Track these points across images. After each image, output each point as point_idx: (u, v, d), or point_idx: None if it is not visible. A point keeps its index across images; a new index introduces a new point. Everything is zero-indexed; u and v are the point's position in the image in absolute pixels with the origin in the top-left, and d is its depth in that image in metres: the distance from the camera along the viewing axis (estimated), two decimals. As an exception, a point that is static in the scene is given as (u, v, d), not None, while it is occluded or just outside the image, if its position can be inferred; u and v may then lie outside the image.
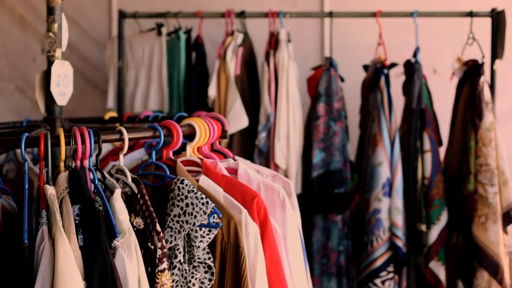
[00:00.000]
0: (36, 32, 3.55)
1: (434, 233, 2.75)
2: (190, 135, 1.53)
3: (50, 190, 1.21)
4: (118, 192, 1.24)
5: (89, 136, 1.28)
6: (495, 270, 2.66)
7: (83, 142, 1.27)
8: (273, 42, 2.91)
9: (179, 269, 1.32)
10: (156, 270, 1.25)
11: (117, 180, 1.33)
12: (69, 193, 1.23)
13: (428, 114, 2.80)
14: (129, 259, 1.18)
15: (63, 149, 1.27)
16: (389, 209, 2.71)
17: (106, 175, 1.32)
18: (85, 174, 1.26)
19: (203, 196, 1.34)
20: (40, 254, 1.14)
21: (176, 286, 1.31)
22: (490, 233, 2.66)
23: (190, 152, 1.54)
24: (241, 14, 2.98)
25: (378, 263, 2.71)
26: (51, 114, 1.67)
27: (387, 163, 2.72)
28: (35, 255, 1.15)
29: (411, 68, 2.80)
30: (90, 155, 1.28)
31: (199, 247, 1.31)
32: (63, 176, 1.25)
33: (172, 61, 3.08)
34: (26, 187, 1.24)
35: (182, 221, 1.33)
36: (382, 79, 2.78)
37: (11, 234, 1.30)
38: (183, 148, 1.55)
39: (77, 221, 1.20)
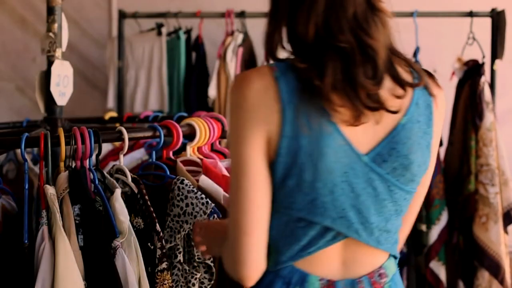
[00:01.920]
0: (36, 32, 3.55)
1: (434, 233, 2.75)
2: (190, 135, 1.53)
3: (51, 190, 1.21)
4: (118, 192, 1.24)
5: (89, 136, 1.28)
6: (496, 270, 2.65)
7: (83, 142, 1.27)
8: (273, 42, 2.91)
9: (179, 269, 1.31)
10: (156, 270, 1.25)
11: (117, 180, 1.33)
12: (69, 193, 1.23)
13: (428, 114, 2.79)
14: (129, 258, 1.18)
15: (63, 149, 1.27)
16: (389, 209, 2.71)
17: (106, 175, 1.31)
18: (85, 174, 1.26)
19: (203, 196, 1.33)
20: (40, 254, 1.14)
21: (176, 286, 1.31)
22: (491, 233, 2.66)
23: (190, 152, 1.54)
24: (241, 14, 2.98)
25: (378, 263, 2.71)
26: (51, 114, 1.67)
27: (387, 163, 2.72)
28: (35, 255, 1.15)
29: (411, 68, 2.79)
30: (90, 155, 1.28)
31: None
32: (63, 176, 1.25)
33: (172, 61, 3.08)
34: (26, 187, 1.24)
35: (182, 221, 1.33)
36: (382, 79, 2.78)
37: (11, 234, 1.29)
38: (183, 148, 1.55)
39: (77, 221, 1.20)
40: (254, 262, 0.99)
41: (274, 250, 1.03)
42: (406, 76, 1.04)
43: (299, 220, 1.01)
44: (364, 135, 1.00)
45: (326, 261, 1.05)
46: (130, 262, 1.18)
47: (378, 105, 0.97)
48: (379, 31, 1.03)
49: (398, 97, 1.01)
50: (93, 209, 1.21)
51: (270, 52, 1.04)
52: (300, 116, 0.97)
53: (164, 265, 1.25)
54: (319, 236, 1.02)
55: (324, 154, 0.97)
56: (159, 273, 1.24)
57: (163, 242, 1.27)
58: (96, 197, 1.24)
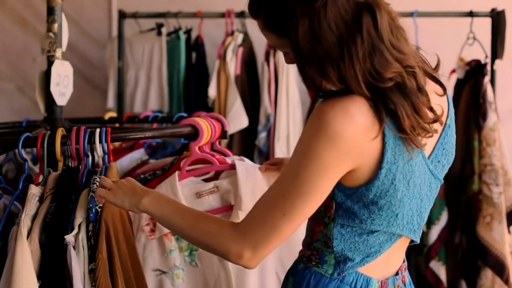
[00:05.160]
0: (36, 32, 3.55)
1: (434, 233, 2.75)
2: (192, 135, 1.53)
3: (33, 190, 1.22)
4: (85, 190, 1.24)
5: (84, 136, 1.28)
6: (501, 270, 2.65)
7: (89, 142, 1.28)
8: (273, 42, 2.91)
9: None
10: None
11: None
12: (54, 193, 1.23)
13: (428, 114, 2.79)
14: (77, 256, 1.17)
15: (58, 149, 1.27)
16: (389, 209, 2.71)
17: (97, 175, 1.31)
18: (75, 173, 1.26)
19: None
20: (8, 254, 1.15)
21: None
22: (496, 233, 2.66)
23: (196, 152, 1.54)
24: (241, 14, 2.98)
25: (378, 263, 2.71)
26: (51, 114, 1.67)
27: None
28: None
29: (411, 68, 2.79)
30: (86, 155, 1.28)
31: None
32: (53, 176, 1.25)
33: (172, 61, 3.08)
34: (20, 186, 1.25)
35: None
36: (382, 79, 2.77)
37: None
38: (183, 149, 1.55)
39: (48, 219, 1.20)
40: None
41: (340, 260, 1.09)
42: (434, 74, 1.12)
43: (373, 232, 1.07)
44: (427, 143, 1.06)
45: (382, 263, 1.11)
46: (77, 259, 1.17)
47: (436, 117, 1.04)
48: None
49: (441, 95, 1.10)
50: (64, 208, 1.21)
51: (318, 91, 1.04)
52: (398, 141, 1.01)
53: (92, 265, 1.23)
54: (386, 241, 1.09)
55: (414, 171, 1.04)
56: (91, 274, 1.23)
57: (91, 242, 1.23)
58: (72, 196, 1.24)
